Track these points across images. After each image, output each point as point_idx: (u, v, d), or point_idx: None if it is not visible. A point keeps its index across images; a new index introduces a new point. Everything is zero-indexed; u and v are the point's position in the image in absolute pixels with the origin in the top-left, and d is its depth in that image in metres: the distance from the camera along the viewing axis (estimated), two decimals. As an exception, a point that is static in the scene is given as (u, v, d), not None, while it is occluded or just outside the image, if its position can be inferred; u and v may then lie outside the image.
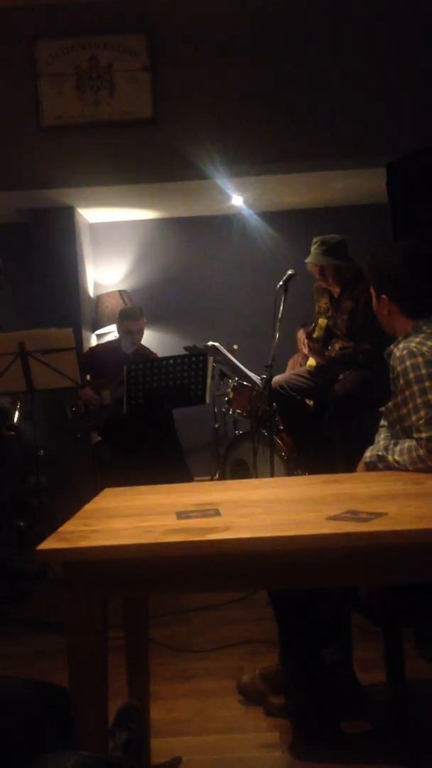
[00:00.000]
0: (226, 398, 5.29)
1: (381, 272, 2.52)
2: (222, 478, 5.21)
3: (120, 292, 6.61)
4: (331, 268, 4.60)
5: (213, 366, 4.96)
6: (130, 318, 5.48)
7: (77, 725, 1.64)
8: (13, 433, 4.22)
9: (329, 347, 4.62)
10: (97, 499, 2.24)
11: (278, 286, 4.20)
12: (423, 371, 2.28)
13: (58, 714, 1.60)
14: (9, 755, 1.43)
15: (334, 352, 4.57)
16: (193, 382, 4.79)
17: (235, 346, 5.33)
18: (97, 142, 5.11)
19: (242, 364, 5.08)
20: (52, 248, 6.13)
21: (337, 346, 4.59)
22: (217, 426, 5.99)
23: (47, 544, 1.68)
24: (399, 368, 2.35)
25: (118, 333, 5.62)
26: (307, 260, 4.66)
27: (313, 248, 4.64)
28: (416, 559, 1.66)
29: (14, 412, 4.24)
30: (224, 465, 5.18)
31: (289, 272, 4.21)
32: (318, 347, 4.60)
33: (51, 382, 3.94)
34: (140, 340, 5.54)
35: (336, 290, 4.66)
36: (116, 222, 6.79)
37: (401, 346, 2.41)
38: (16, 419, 4.29)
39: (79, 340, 5.72)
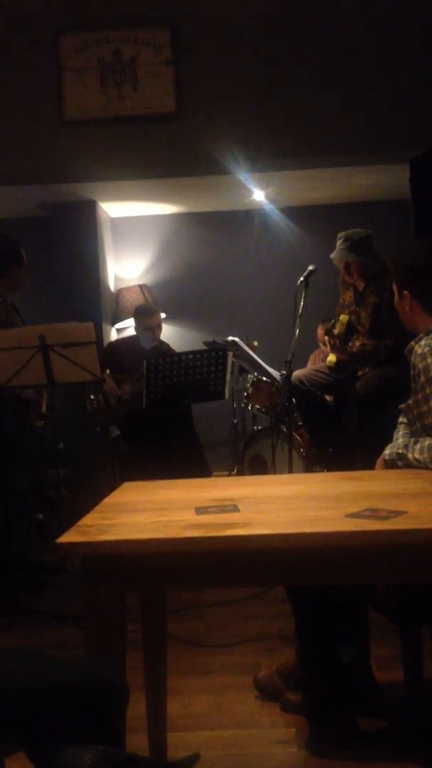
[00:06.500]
0: (245, 394, 5.29)
1: (403, 268, 2.50)
2: (240, 473, 5.21)
3: (140, 286, 6.62)
4: (355, 264, 4.59)
5: (232, 361, 4.96)
6: (148, 314, 5.44)
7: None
8: (43, 422, 4.25)
9: (349, 344, 4.60)
10: (116, 493, 2.24)
11: (299, 281, 4.19)
12: (444, 369, 2.26)
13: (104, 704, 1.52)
14: (44, 740, 1.38)
15: (355, 349, 4.55)
16: (212, 378, 4.79)
17: (255, 342, 5.32)
18: (119, 136, 5.11)
19: (262, 360, 5.07)
20: (73, 242, 6.16)
21: (357, 342, 4.57)
22: (235, 421, 5.98)
23: (67, 537, 1.69)
24: (420, 365, 2.33)
25: (136, 331, 5.58)
26: (332, 256, 4.65)
27: (338, 243, 4.63)
28: (436, 558, 1.65)
29: (42, 401, 4.27)
30: (243, 460, 5.17)
31: (310, 268, 4.19)
32: (338, 344, 4.58)
33: (71, 376, 3.95)
34: (160, 334, 5.54)
35: (361, 285, 4.64)
36: (138, 216, 6.80)
37: (423, 342, 2.39)
38: (44, 408, 4.33)
39: (100, 334, 5.73)
